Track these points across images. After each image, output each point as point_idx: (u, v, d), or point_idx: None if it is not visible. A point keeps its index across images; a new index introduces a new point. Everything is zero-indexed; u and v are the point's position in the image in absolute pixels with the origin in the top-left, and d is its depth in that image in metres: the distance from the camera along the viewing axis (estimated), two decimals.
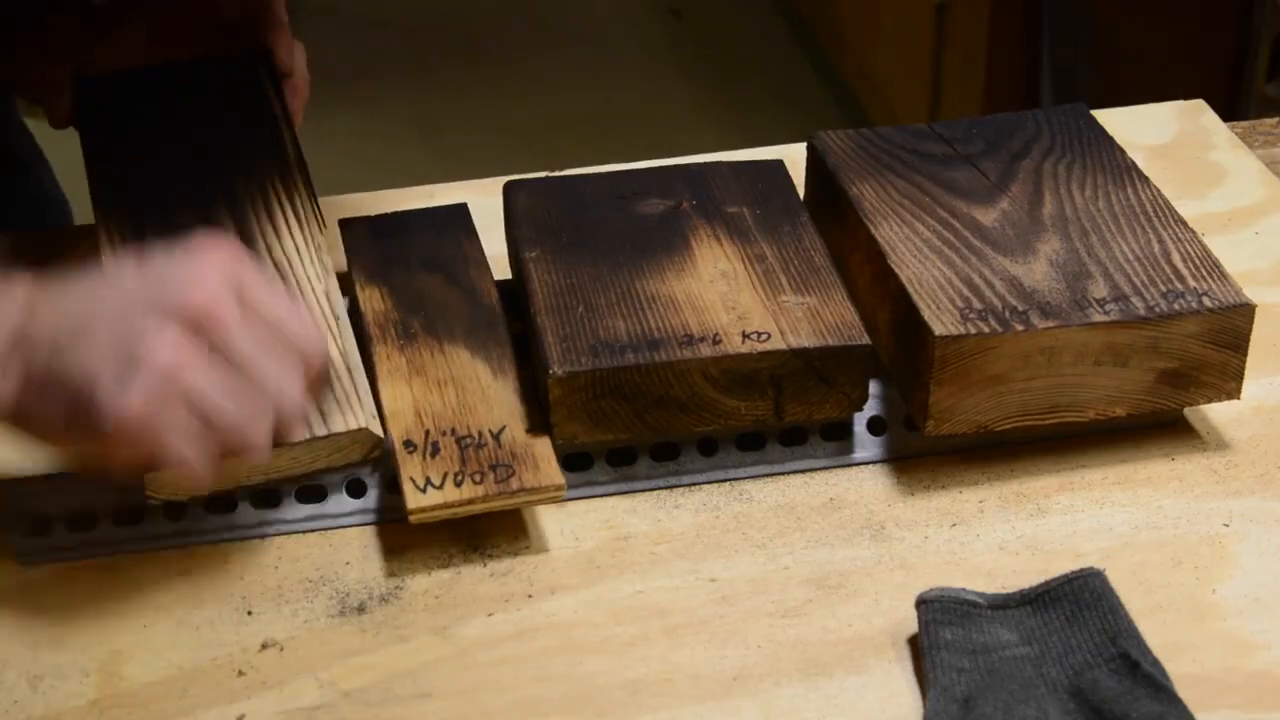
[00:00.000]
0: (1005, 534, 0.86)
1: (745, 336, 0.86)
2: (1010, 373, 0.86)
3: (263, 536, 0.86)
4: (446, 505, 0.82)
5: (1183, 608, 0.81)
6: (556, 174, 1.05)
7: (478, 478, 0.82)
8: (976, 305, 0.86)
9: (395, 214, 1.02)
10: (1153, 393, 0.88)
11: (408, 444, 0.84)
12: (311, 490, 0.86)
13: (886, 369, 0.91)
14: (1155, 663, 0.75)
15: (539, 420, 0.86)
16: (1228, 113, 1.23)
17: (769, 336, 0.86)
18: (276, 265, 0.89)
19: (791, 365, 0.86)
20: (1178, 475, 0.89)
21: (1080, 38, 2.28)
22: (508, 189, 0.99)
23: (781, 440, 0.89)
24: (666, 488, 0.89)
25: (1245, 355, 0.88)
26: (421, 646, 0.80)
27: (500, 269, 0.98)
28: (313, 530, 0.86)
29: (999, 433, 0.88)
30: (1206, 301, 0.87)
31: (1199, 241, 0.92)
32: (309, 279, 0.89)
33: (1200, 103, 1.21)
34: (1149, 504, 0.87)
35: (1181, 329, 0.87)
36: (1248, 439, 0.91)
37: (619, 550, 0.85)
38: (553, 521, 0.87)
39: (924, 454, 0.90)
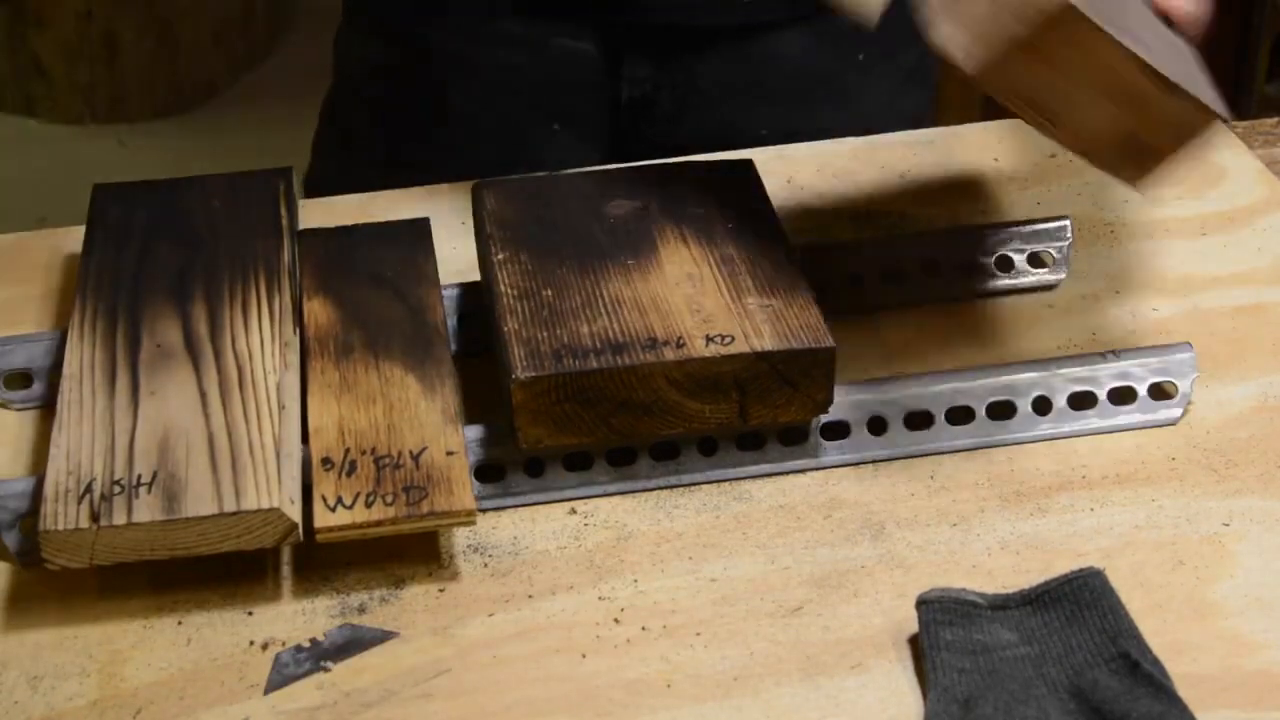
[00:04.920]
0: (1005, 534, 0.86)
1: (709, 340, 0.86)
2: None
3: None
4: (355, 525, 0.81)
5: (1183, 608, 0.81)
6: (525, 175, 1.04)
7: (389, 499, 0.81)
8: None
9: (353, 226, 1.01)
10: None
11: (325, 461, 0.83)
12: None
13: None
14: (1155, 662, 0.75)
15: (458, 441, 0.85)
16: (1227, 113, 1.22)
17: (732, 340, 0.86)
18: (236, 356, 0.88)
19: (755, 368, 0.85)
20: (1178, 475, 0.89)
21: None
22: (476, 189, 0.99)
23: (781, 440, 0.89)
24: (666, 488, 0.89)
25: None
26: (421, 646, 0.80)
27: (473, 271, 0.99)
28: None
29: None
30: None
31: None
32: (265, 370, 0.87)
33: None
34: (1149, 504, 0.87)
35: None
36: (1248, 439, 0.91)
37: (619, 550, 0.85)
38: (553, 521, 0.87)
39: (924, 454, 0.90)
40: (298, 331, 0.93)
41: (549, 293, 0.89)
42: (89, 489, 0.81)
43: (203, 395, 0.86)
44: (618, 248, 0.93)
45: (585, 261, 0.92)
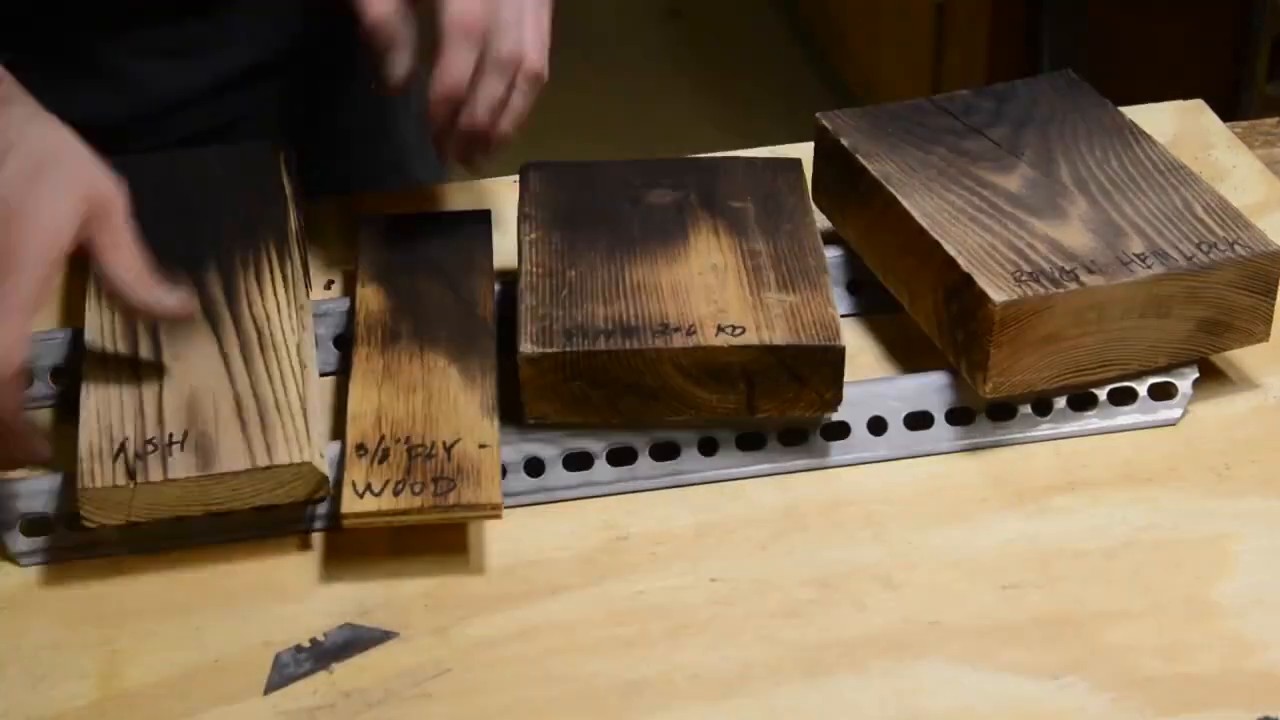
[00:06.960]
0: (1005, 534, 0.86)
1: (720, 329, 0.86)
2: (1063, 331, 0.87)
3: (263, 537, 0.86)
4: (381, 513, 0.81)
5: (1183, 608, 0.81)
6: (573, 161, 1.04)
7: (417, 488, 0.82)
8: (1025, 268, 0.87)
9: (415, 215, 1.02)
10: (1191, 341, 0.90)
11: (360, 448, 0.84)
12: None
13: (936, 343, 0.91)
14: None
15: (492, 435, 0.85)
16: (1228, 113, 1.22)
17: (743, 331, 0.86)
18: (254, 320, 0.90)
19: (763, 361, 0.86)
20: (1178, 475, 0.89)
21: (1080, 38, 2.27)
22: (524, 169, 1.00)
23: (782, 440, 0.89)
24: (666, 488, 0.89)
25: (1274, 299, 0.90)
26: (421, 646, 0.80)
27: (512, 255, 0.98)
28: (313, 530, 0.86)
29: (1049, 392, 0.90)
30: (1239, 250, 0.89)
31: (1215, 192, 0.94)
32: (283, 333, 0.89)
33: (1200, 103, 1.21)
34: (1149, 504, 0.87)
35: (1219, 278, 0.88)
36: (1248, 439, 0.91)
37: (619, 550, 0.85)
38: (553, 521, 0.87)
39: (924, 454, 0.90)
40: (310, 294, 0.95)
41: (573, 274, 0.90)
42: (123, 448, 0.82)
43: (225, 357, 0.88)
44: (649, 234, 0.94)
45: (615, 246, 0.93)
